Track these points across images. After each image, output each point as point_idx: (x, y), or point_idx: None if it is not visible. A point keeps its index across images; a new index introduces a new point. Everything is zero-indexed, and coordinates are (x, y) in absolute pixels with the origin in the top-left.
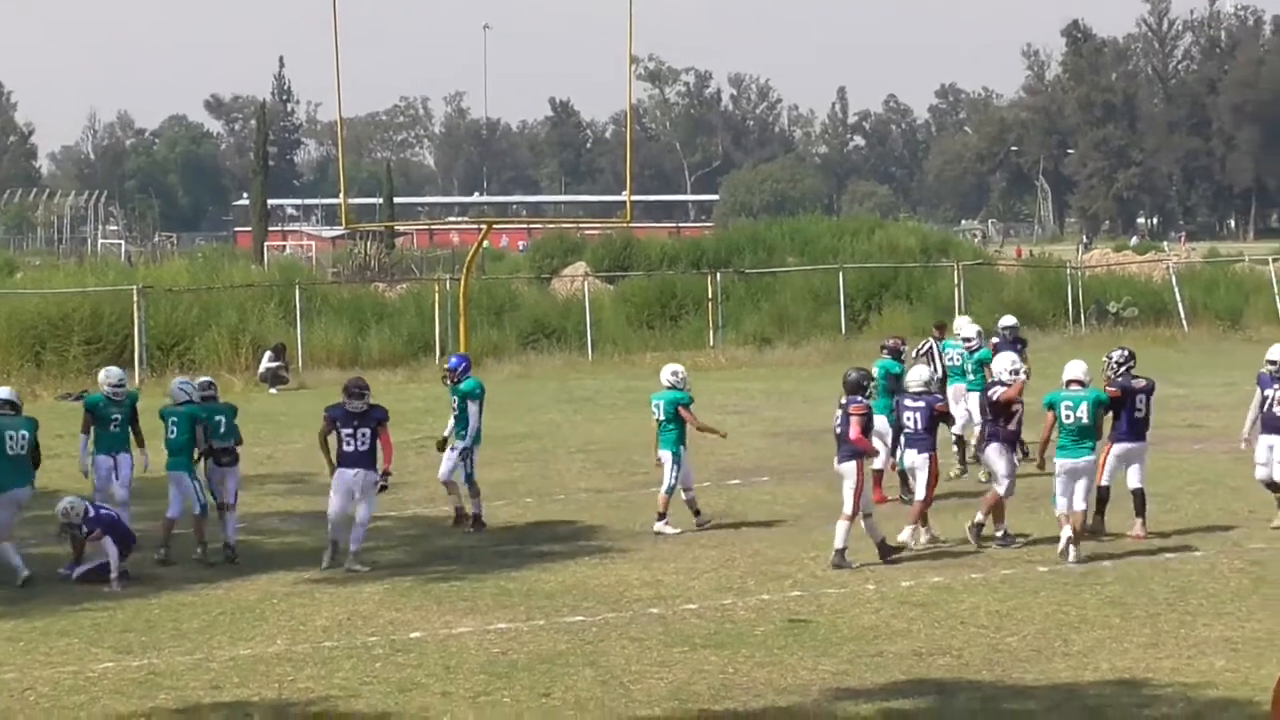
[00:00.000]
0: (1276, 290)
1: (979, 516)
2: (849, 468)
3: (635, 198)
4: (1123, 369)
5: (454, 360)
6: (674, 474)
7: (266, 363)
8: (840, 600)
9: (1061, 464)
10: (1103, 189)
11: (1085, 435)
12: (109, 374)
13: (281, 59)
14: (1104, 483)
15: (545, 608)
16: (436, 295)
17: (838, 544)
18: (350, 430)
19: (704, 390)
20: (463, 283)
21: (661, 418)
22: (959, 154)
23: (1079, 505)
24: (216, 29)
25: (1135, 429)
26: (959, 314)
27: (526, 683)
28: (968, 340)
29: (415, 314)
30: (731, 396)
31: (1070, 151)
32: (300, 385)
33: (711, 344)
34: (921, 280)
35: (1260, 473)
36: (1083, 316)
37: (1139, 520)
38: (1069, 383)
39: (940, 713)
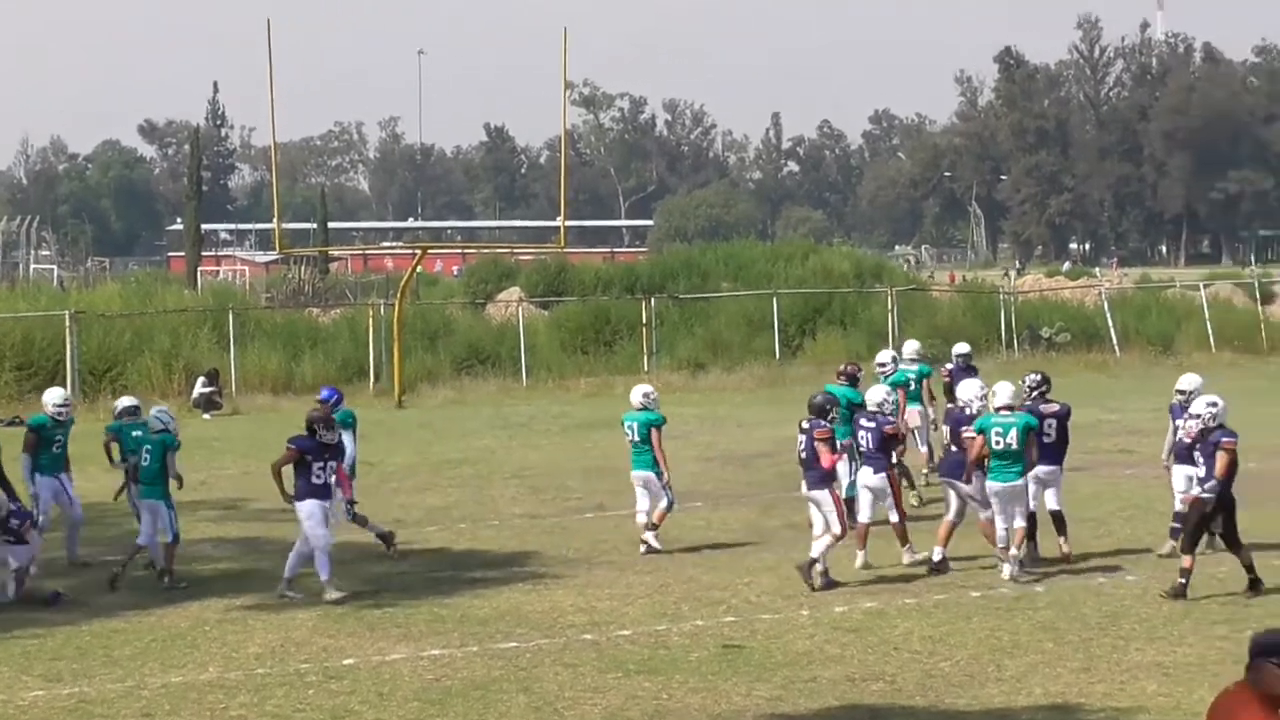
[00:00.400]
0: (1208, 316)
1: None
2: (823, 495)
3: (570, 223)
4: (1035, 393)
5: (325, 393)
6: (668, 490)
7: (200, 388)
8: (774, 626)
9: (991, 487)
10: (1035, 214)
11: (1015, 459)
12: (53, 395)
13: (215, 84)
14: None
15: (479, 634)
16: (370, 320)
17: (813, 554)
18: (321, 464)
19: None
20: (397, 308)
21: (636, 439)
22: (893, 179)
23: (1018, 523)
24: (150, 54)
25: (1045, 453)
26: (893, 338)
27: (460, 709)
28: (882, 366)
29: (349, 339)
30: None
31: (1003, 177)
32: (234, 411)
33: (645, 369)
34: (855, 305)
35: (1179, 503)
36: (1015, 341)
37: (1061, 539)
38: (999, 408)
39: None
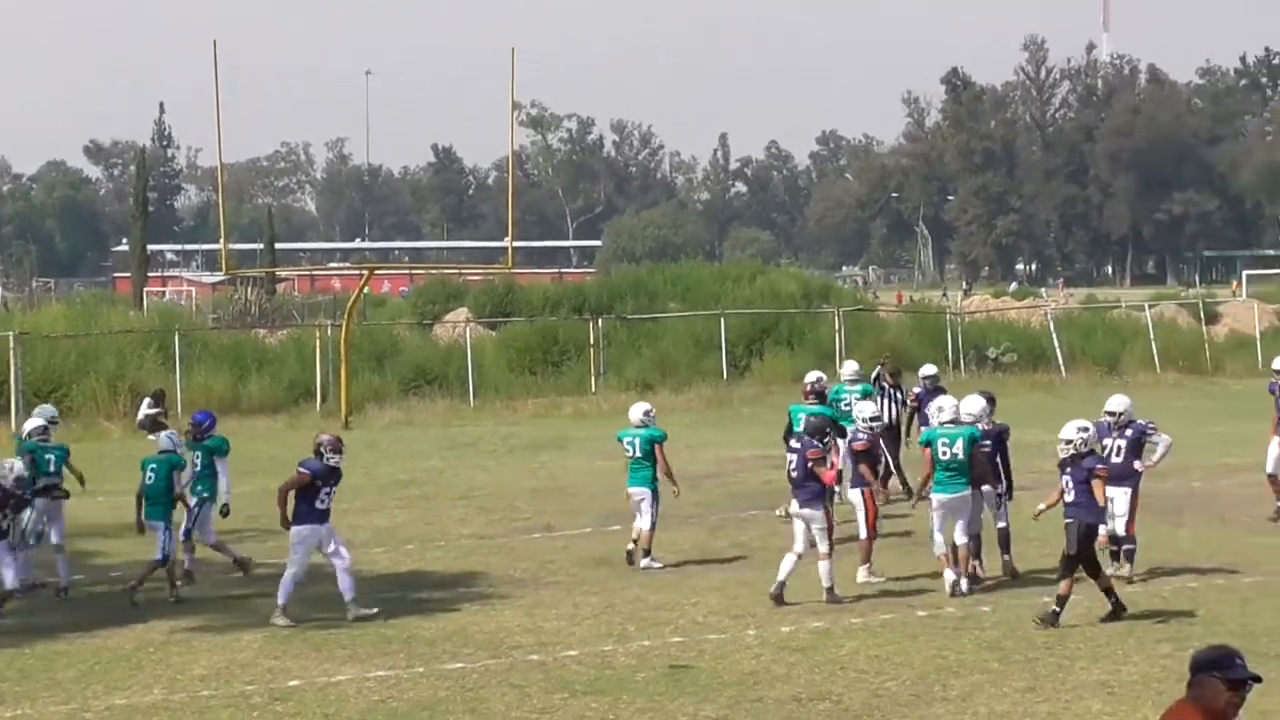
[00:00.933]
0: (1153, 336)
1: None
2: (816, 513)
3: (517, 244)
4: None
5: (199, 416)
6: (654, 510)
7: (145, 409)
8: (721, 646)
9: (937, 499)
10: (982, 235)
11: (961, 472)
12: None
13: (162, 105)
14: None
15: (425, 655)
16: (318, 341)
17: (825, 583)
18: (327, 489)
19: (586, 436)
20: (344, 328)
21: (638, 455)
22: (840, 200)
23: (959, 540)
24: (96, 75)
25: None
26: (839, 359)
27: None
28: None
29: (296, 360)
30: (613, 442)
31: (950, 198)
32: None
33: (593, 390)
34: (803, 326)
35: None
36: (962, 362)
37: (1004, 557)
38: (943, 422)
39: None
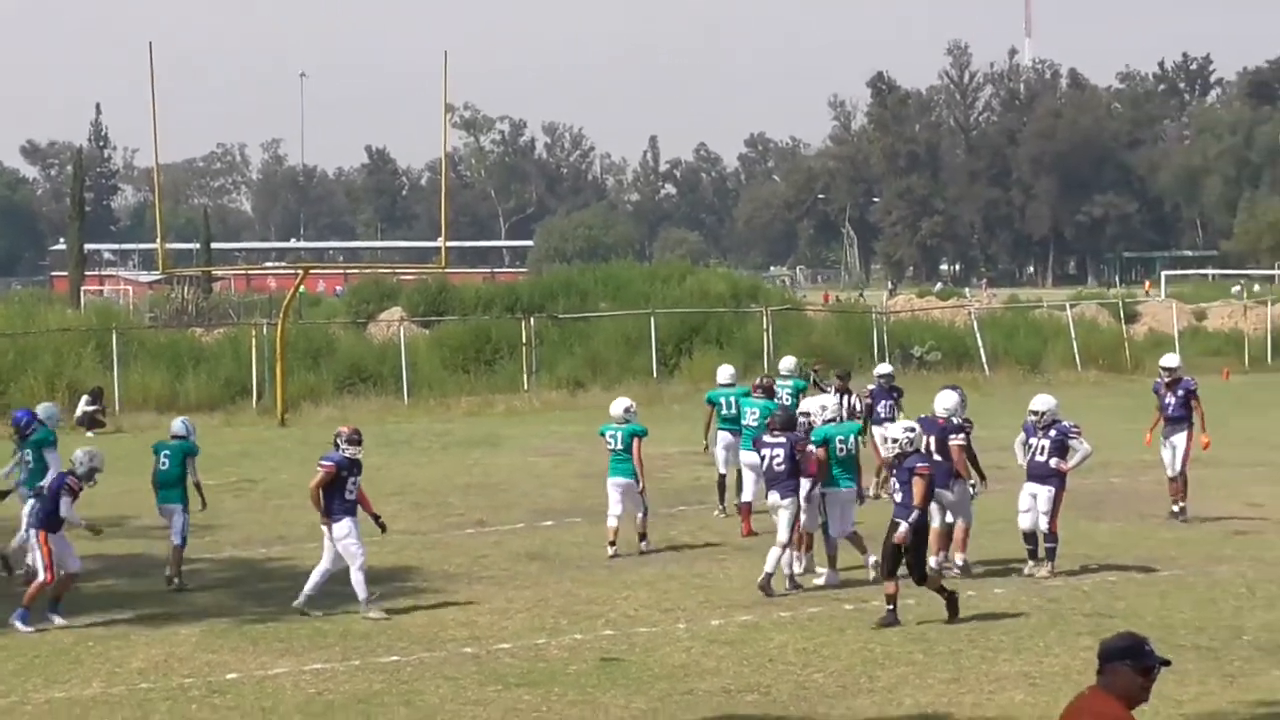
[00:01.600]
0: (1074, 335)
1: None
2: (789, 501)
3: (450, 244)
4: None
5: (18, 415)
6: (642, 498)
7: (83, 406)
8: (651, 639)
9: (833, 493)
10: (907, 236)
11: (851, 465)
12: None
13: (98, 105)
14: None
15: (361, 648)
16: (253, 339)
17: (768, 569)
18: (353, 480)
19: (518, 433)
20: (280, 327)
21: (619, 447)
22: (768, 202)
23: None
24: (33, 75)
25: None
26: (767, 357)
27: None
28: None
29: (232, 358)
30: (546, 439)
31: (875, 200)
32: (117, 429)
33: (526, 387)
34: (731, 325)
35: (1023, 521)
36: (887, 360)
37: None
38: (826, 420)
39: None
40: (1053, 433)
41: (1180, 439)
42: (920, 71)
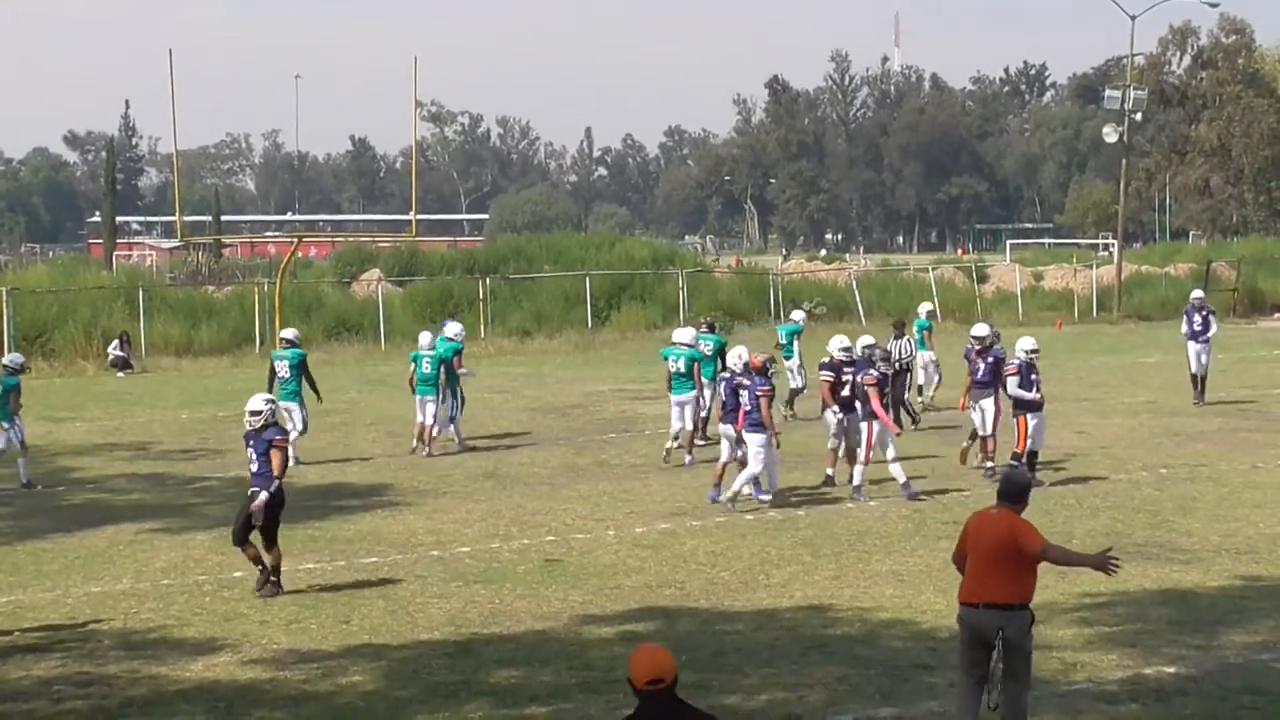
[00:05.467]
0: (935, 293)
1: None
2: (758, 438)
3: (420, 216)
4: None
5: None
6: (695, 413)
7: (115, 351)
8: (586, 544)
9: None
10: (798, 211)
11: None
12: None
13: (127, 101)
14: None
15: (345, 551)
16: (256, 296)
17: (736, 487)
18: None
19: (477, 374)
20: (278, 286)
21: (681, 369)
22: (683, 182)
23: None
24: (73, 76)
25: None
26: (683, 311)
27: (330, 612)
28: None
29: (239, 312)
30: (499, 379)
31: (772, 181)
32: (143, 370)
33: (483, 336)
34: (653, 285)
35: (981, 427)
36: (782, 314)
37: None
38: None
39: (666, 633)
40: (990, 358)
41: (989, 403)
42: (808, 74)
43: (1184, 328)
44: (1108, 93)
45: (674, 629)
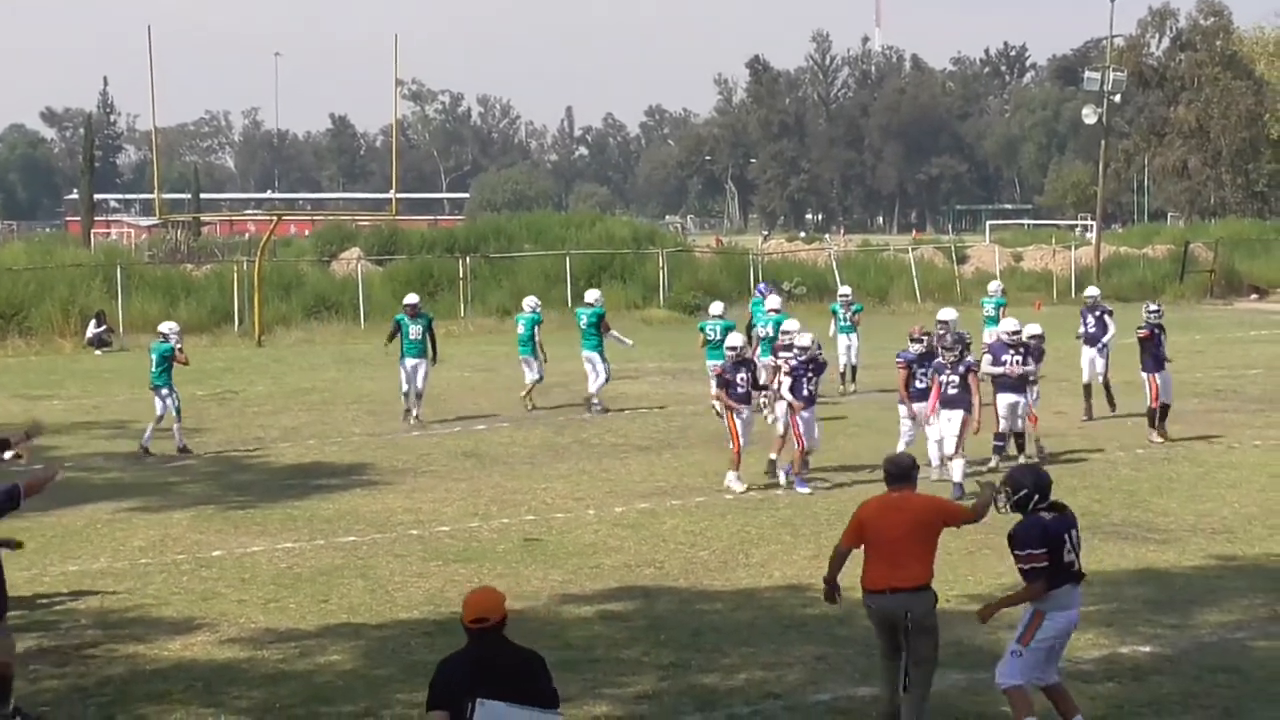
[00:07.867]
0: (915, 274)
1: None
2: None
3: (400, 195)
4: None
5: None
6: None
7: (93, 329)
8: (566, 523)
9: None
10: (778, 191)
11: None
12: None
13: (106, 78)
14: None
15: (324, 530)
16: (235, 275)
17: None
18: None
19: (456, 353)
20: (257, 264)
21: (719, 339)
22: (664, 162)
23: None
24: (52, 52)
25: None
26: (663, 290)
27: (309, 591)
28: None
29: (217, 290)
30: (478, 358)
31: (752, 160)
32: (121, 348)
33: (462, 315)
34: (633, 263)
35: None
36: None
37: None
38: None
39: (646, 612)
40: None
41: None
42: (789, 55)
43: (1079, 329)
44: (1087, 74)
45: (653, 608)
